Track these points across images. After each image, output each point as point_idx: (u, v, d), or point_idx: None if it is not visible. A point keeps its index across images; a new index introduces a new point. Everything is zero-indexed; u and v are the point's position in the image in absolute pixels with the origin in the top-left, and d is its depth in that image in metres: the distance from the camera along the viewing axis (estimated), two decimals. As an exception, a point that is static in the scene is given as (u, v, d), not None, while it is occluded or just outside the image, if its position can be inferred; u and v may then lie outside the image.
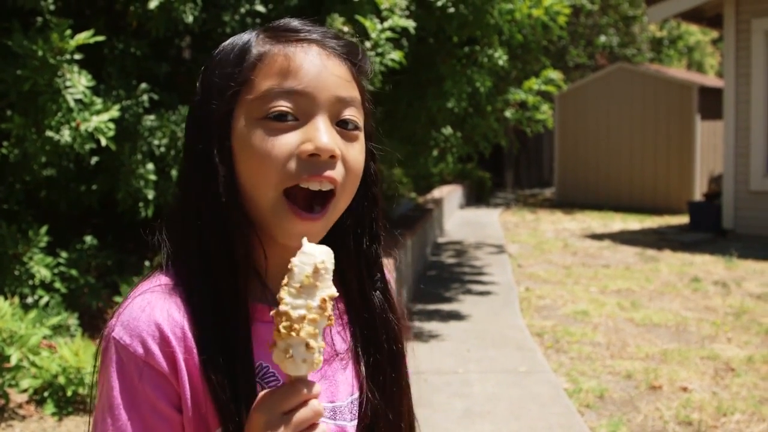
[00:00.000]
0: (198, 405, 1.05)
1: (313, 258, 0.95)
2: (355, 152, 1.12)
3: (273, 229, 1.09)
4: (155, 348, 1.04)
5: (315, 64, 1.09)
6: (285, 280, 0.96)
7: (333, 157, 1.07)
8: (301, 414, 0.95)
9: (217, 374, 1.04)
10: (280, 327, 0.94)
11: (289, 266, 0.96)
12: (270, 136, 1.06)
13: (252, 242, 1.11)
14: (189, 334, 1.05)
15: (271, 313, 0.96)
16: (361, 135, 1.14)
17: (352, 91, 1.13)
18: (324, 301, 0.95)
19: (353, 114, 1.12)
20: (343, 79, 1.12)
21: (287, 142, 1.06)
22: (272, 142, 1.06)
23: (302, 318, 0.94)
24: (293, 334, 0.93)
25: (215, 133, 1.10)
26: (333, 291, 0.97)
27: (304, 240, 0.98)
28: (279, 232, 1.08)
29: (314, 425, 0.96)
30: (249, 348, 1.07)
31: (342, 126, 1.11)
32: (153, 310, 1.05)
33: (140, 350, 1.03)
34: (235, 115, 1.09)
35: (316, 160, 1.06)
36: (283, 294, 0.95)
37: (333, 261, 0.98)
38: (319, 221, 1.08)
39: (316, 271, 0.95)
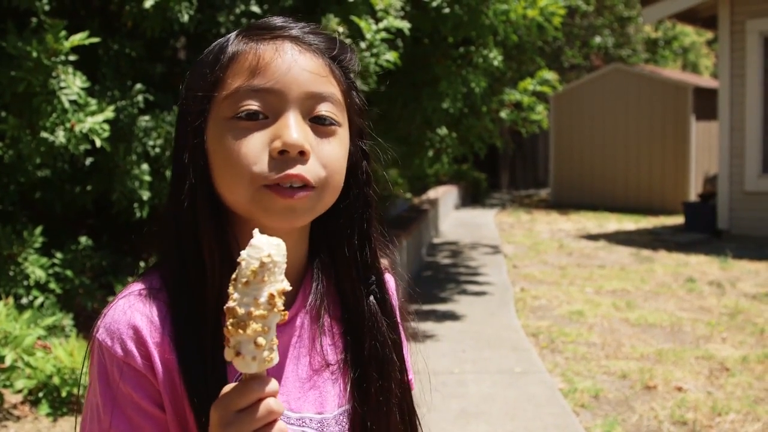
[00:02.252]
0: (178, 407, 1.05)
1: (260, 252, 0.91)
2: (332, 148, 1.09)
3: (257, 215, 1.06)
4: (134, 349, 1.04)
5: (285, 61, 1.07)
6: (234, 275, 0.93)
7: (303, 153, 1.05)
8: (256, 413, 0.91)
9: (192, 379, 1.04)
10: (228, 324, 0.91)
11: (237, 260, 0.93)
12: (239, 136, 1.05)
13: (230, 243, 1.09)
14: (167, 338, 1.05)
15: (225, 308, 0.93)
16: (341, 131, 1.12)
17: (327, 87, 1.10)
18: (272, 296, 0.91)
19: (329, 109, 1.09)
20: (316, 74, 1.09)
21: (256, 141, 1.05)
22: (242, 142, 1.04)
23: (249, 315, 0.90)
24: (240, 331, 0.90)
25: (189, 135, 1.09)
26: (283, 285, 0.93)
27: (255, 231, 0.94)
28: (264, 216, 1.06)
29: (271, 423, 0.93)
30: (219, 352, 1.04)
31: (317, 122, 1.08)
32: (134, 313, 1.06)
33: (120, 351, 1.04)
34: (209, 117, 1.08)
35: (286, 157, 1.04)
36: (231, 289, 0.92)
37: (284, 254, 0.93)
38: (301, 199, 1.05)
39: (262, 266, 0.91)
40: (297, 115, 1.06)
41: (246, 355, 0.91)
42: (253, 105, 1.05)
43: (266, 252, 0.92)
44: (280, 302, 0.92)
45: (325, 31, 1.16)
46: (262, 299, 0.91)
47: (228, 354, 0.92)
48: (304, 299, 1.17)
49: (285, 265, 0.94)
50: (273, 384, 0.93)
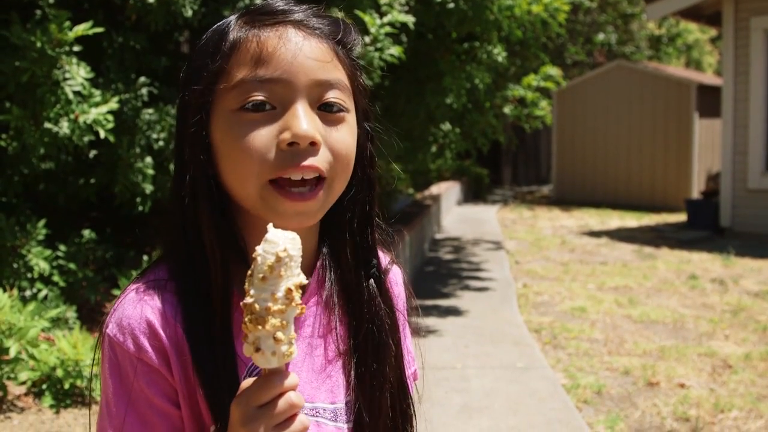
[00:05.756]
0: (193, 400, 1.04)
1: (276, 246, 0.90)
2: (341, 135, 1.07)
3: (266, 215, 1.04)
4: (147, 344, 1.02)
5: (289, 49, 1.04)
6: (249, 271, 0.92)
7: (313, 144, 1.02)
8: (277, 407, 0.91)
9: (205, 369, 1.03)
10: (246, 320, 0.90)
11: (253, 255, 0.92)
12: (247, 128, 1.02)
13: (236, 235, 1.08)
14: (180, 330, 1.04)
15: (241, 304, 0.92)
16: (349, 116, 1.09)
17: (334, 73, 1.07)
18: (290, 291, 0.90)
19: (337, 96, 1.07)
20: (323, 60, 1.06)
21: (265, 133, 1.02)
22: (250, 135, 1.02)
23: (267, 310, 0.89)
24: (259, 327, 0.89)
25: (189, 126, 1.06)
26: (300, 279, 0.92)
27: (269, 226, 0.93)
28: (273, 217, 1.03)
29: (292, 417, 0.93)
30: (229, 342, 1.05)
31: (325, 109, 1.06)
32: (144, 306, 1.04)
33: (132, 347, 1.02)
34: (212, 107, 1.06)
35: (296, 149, 1.02)
36: (248, 285, 0.91)
37: (299, 247, 0.92)
38: (311, 201, 1.04)
39: (278, 261, 0.90)
40: (305, 105, 1.04)
41: (266, 350, 0.90)
42: (259, 96, 1.02)
43: (282, 246, 0.91)
44: (297, 296, 0.91)
45: (328, 13, 1.13)
46: (280, 294, 0.90)
47: (247, 350, 0.91)
48: (317, 288, 1.16)
49: (300, 259, 0.93)
50: (292, 378, 0.93)
